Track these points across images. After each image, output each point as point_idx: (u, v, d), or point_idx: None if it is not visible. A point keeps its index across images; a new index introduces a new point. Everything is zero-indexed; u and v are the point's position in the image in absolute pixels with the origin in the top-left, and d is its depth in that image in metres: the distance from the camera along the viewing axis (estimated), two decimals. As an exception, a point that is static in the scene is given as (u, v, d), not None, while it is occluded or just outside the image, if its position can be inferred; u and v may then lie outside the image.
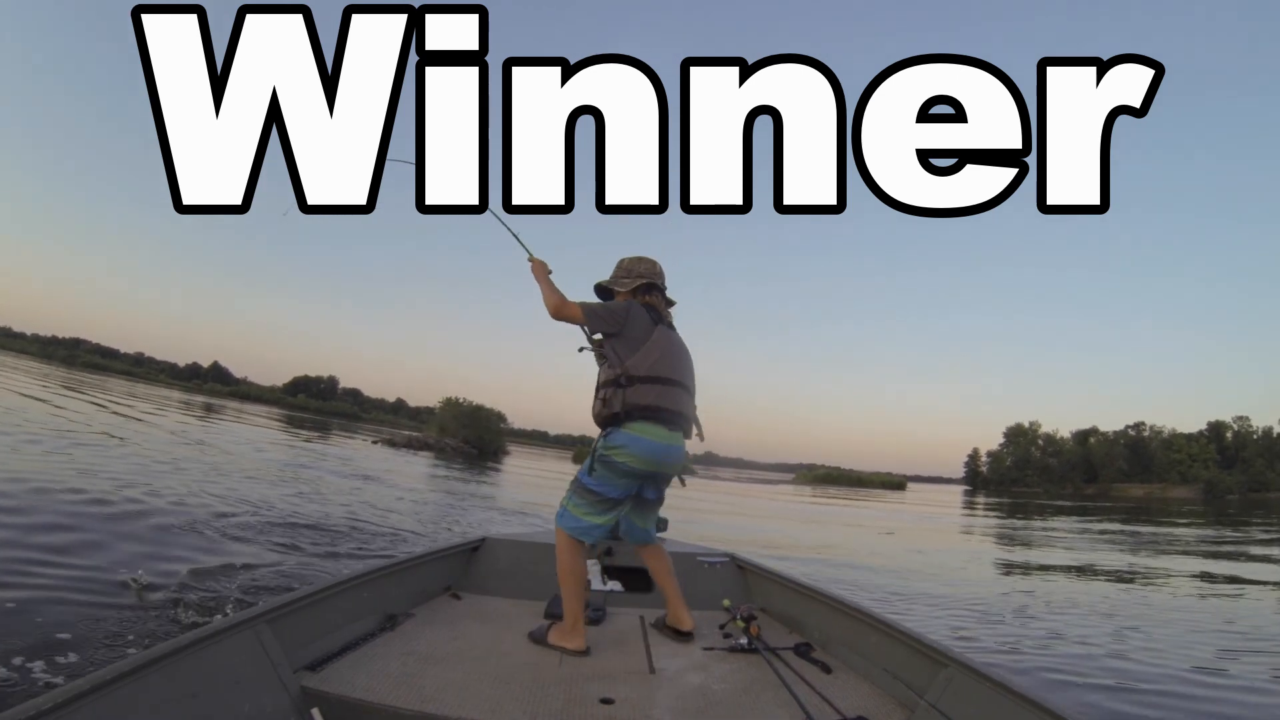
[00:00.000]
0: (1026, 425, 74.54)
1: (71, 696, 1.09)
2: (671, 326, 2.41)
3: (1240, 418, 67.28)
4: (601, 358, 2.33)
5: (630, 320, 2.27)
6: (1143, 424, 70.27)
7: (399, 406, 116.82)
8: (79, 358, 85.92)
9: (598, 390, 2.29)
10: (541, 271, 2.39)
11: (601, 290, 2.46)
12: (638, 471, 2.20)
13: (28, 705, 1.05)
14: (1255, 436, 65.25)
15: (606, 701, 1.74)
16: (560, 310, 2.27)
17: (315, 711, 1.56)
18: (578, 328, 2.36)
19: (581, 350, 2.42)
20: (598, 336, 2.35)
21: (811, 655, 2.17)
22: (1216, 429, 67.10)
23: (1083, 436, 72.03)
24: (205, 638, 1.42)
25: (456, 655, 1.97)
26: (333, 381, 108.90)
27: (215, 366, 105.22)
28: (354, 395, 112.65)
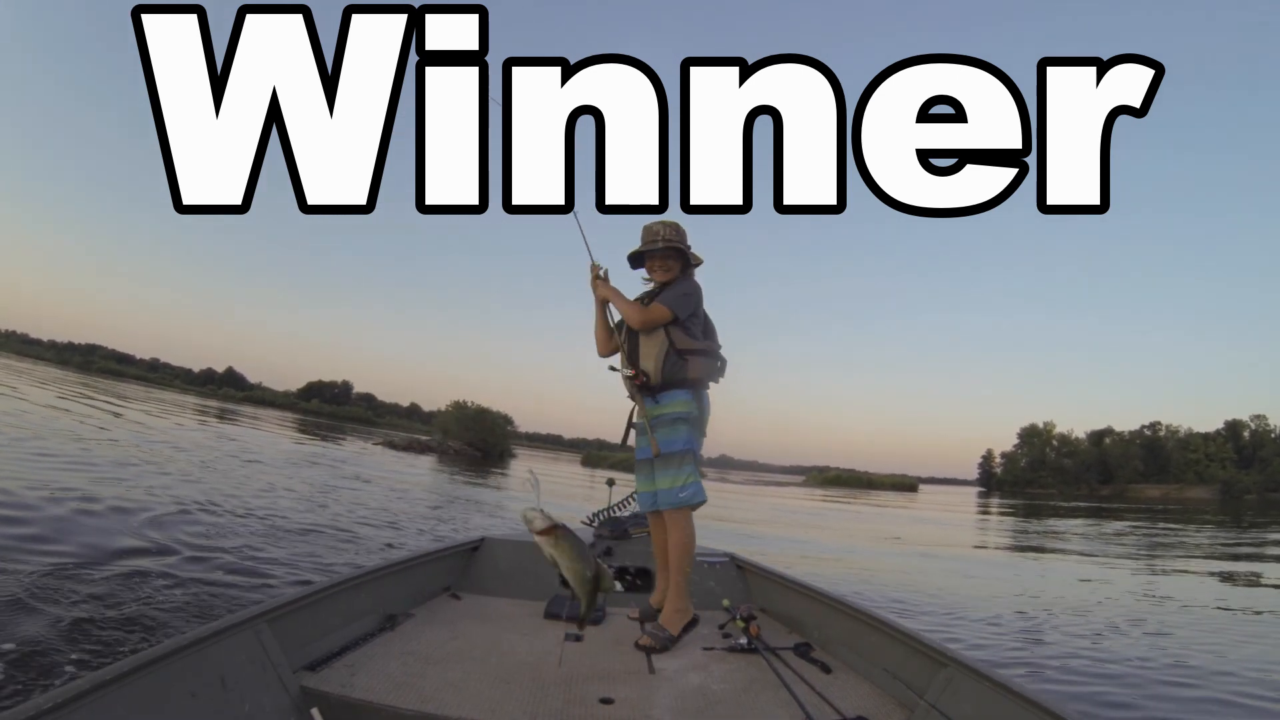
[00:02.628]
0: (1041, 426, 73.57)
1: (72, 696, 1.09)
2: None
3: (1258, 416, 66.21)
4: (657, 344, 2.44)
5: (700, 298, 2.49)
6: (1158, 424, 69.33)
7: (413, 411, 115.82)
8: (95, 363, 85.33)
9: (680, 353, 2.40)
10: (611, 290, 2.51)
11: (678, 251, 2.49)
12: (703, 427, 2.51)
13: (28, 705, 1.05)
14: (1273, 435, 64.00)
15: (606, 701, 1.74)
16: (648, 320, 2.41)
17: (315, 711, 1.56)
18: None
19: (613, 370, 2.56)
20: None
21: (811, 655, 2.17)
22: (1233, 428, 66.00)
23: (1098, 437, 71.13)
24: (205, 637, 1.42)
25: (456, 655, 1.97)
26: (346, 386, 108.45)
27: (230, 372, 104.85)
28: (368, 400, 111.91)
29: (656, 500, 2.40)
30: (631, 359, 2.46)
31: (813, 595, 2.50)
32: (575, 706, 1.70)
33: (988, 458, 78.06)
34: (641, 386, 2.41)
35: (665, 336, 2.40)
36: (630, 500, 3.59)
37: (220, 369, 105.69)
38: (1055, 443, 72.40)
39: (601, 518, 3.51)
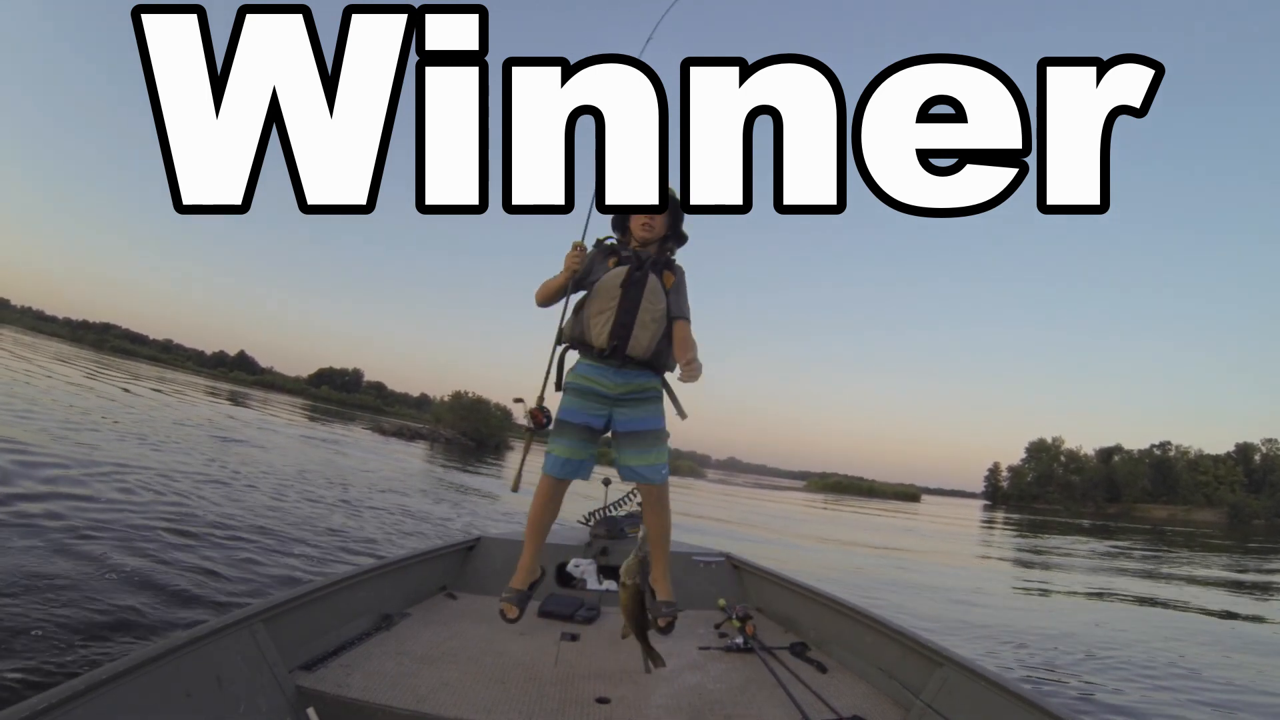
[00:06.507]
0: (1049, 441, 73.39)
1: (67, 696, 1.09)
2: None
3: (1269, 440, 66.04)
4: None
5: None
6: (1168, 443, 69.12)
7: (422, 400, 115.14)
8: (108, 342, 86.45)
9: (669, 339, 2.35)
10: None
11: (676, 219, 2.46)
12: None
13: (24, 705, 1.05)
14: (1284, 460, 63.38)
15: (603, 701, 1.74)
16: (693, 351, 2.28)
17: (310, 711, 1.56)
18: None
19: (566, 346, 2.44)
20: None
21: (807, 655, 2.17)
22: (1244, 451, 65.65)
23: (1106, 454, 70.86)
24: (200, 637, 1.42)
25: (452, 655, 1.97)
26: (357, 374, 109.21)
27: (241, 355, 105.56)
28: (378, 388, 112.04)
29: (631, 473, 2.26)
30: (622, 325, 2.27)
31: (808, 595, 2.50)
32: (571, 706, 1.70)
33: (994, 471, 77.96)
34: (621, 356, 2.26)
35: (665, 319, 2.31)
36: (632, 497, 3.59)
37: (232, 352, 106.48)
38: (1063, 458, 72.19)
39: (597, 517, 3.51)
